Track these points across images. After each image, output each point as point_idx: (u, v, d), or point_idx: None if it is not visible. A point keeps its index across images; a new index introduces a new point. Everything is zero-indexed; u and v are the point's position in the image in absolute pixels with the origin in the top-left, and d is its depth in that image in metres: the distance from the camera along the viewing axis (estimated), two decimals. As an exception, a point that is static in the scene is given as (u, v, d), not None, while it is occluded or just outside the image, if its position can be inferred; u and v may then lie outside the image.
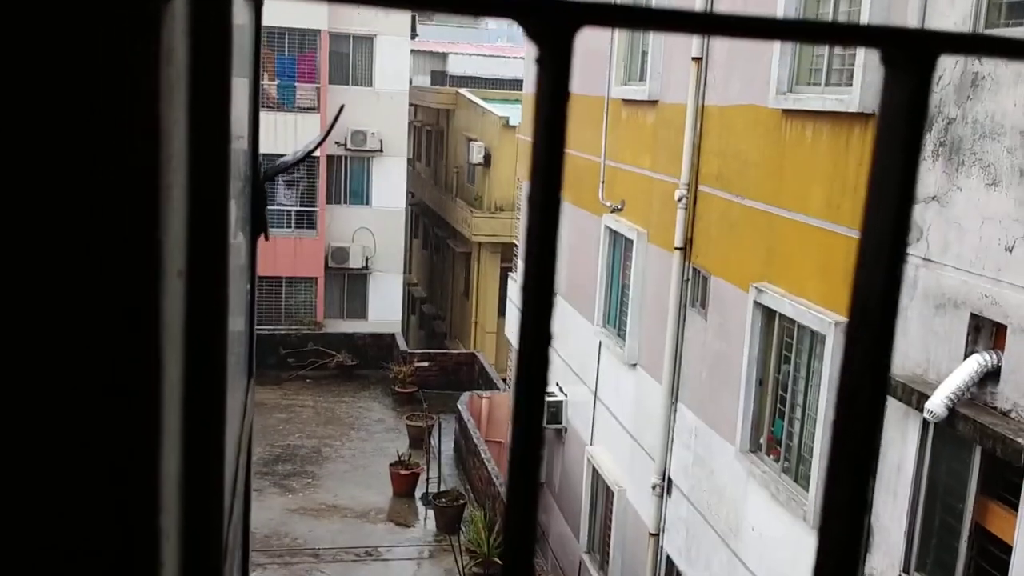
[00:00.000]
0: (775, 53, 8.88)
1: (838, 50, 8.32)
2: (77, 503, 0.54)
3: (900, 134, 0.45)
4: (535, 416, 0.46)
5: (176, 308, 0.60)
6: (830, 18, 8.37)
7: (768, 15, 0.49)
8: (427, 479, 17.93)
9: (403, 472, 18.14)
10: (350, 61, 26.89)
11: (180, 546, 0.66)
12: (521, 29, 0.43)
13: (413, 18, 27.89)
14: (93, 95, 0.50)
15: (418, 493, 18.21)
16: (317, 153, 25.82)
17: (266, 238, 1.74)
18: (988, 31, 6.45)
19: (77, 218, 0.51)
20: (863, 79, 7.56)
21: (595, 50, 13.74)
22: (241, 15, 1.38)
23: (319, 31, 25.94)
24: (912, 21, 7.00)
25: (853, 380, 0.49)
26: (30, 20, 0.48)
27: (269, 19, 24.74)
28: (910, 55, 0.44)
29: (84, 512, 0.52)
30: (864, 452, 0.49)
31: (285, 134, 25.44)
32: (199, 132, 0.67)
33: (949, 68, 6.66)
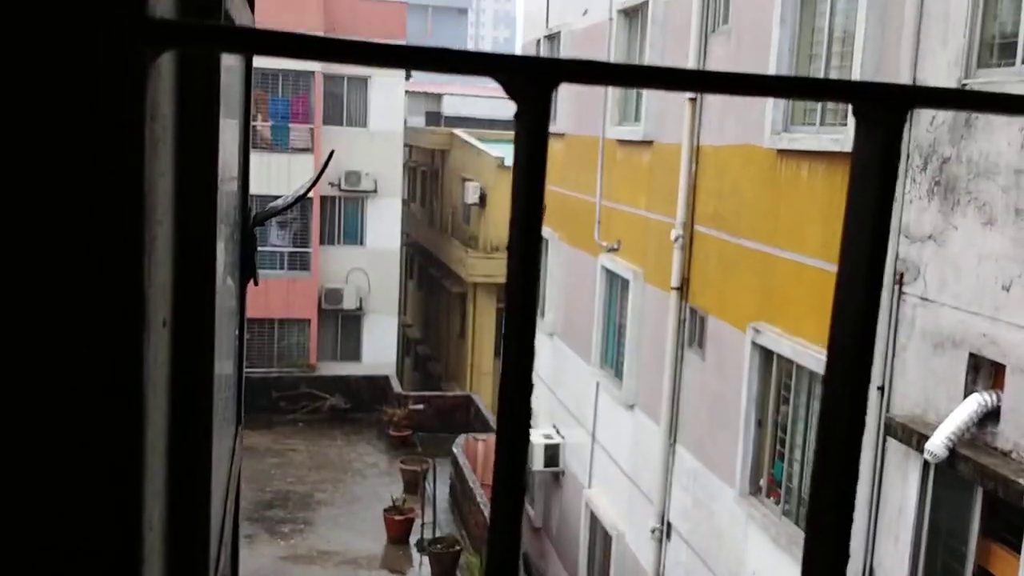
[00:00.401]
0: (769, 94, 8.92)
1: (832, 90, 8.37)
2: (59, 553, 0.52)
3: (872, 186, 0.46)
4: (518, 460, 0.46)
5: (161, 357, 0.57)
6: (823, 60, 8.43)
7: (747, 71, 0.49)
8: (422, 525, 17.72)
9: (397, 518, 17.93)
10: (344, 102, 27.06)
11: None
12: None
13: (408, 61, 28.09)
14: (77, 148, 0.50)
15: (413, 539, 17.98)
16: (311, 194, 25.87)
17: (255, 283, 1.70)
18: (981, 70, 6.48)
19: (60, 270, 0.51)
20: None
21: (590, 90, 13.83)
22: (231, 58, 1.36)
23: (313, 72, 26.13)
24: (904, 62, 7.04)
25: (833, 408, 0.52)
26: (19, 75, 0.48)
27: (263, 61, 24.97)
28: (880, 109, 0.46)
29: (68, 562, 0.49)
30: (846, 479, 0.52)
31: (279, 175, 25.51)
32: (186, 183, 0.65)
33: (943, 108, 6.68)
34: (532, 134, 0.42)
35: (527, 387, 0.45)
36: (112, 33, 0.48)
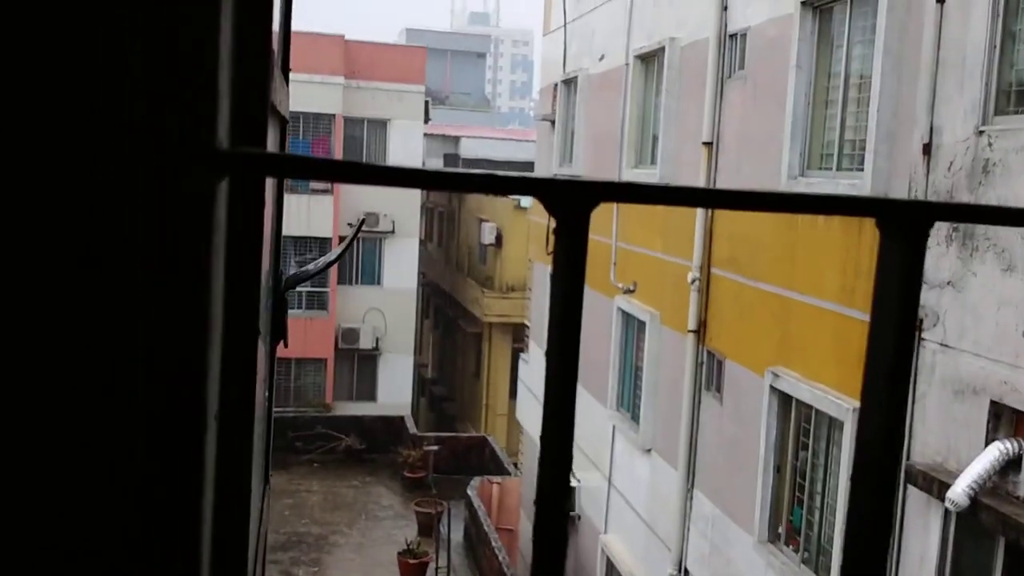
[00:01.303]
0: (786, 138, 8.96)
1: (848, 135, 8.40)
2: None
3: (895, 297, 0.48)
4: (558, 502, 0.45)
5: (211, 450, 0.60)
6: (840, 106, 8.47)
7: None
8: (436, 568, 17.57)
9: (411, 561, 17.79)
10: (364, 144, 27.31)
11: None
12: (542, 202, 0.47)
13: (426, 102, 28.41)
14: (148, 273, 0.54)
15: (427, 582, 17.83)
16: (329, 234, 26.03)
17: (285, 345, 1.73)
18: (998, 117, 6.49)
19: (135, 370, 0.54)
20: (874, 164, 7.60)
21: (606, 133, 13.92)
22: (273, 139, 1.41)
23: (334, 115, 26.42)
24: (921, 108, 7.06)
25: (866, 459, 0.52)
26: (103, 208, 0.52)
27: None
28: (903, 224, 0.47)
29: None
30: (881, 528, 0.51)
31: (298, 216, 25.70)
32: (232, 287, 0.68)
33: (960, 153, 6.69)
34: (571, 250, 0.44)
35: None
36: (183, 164, 0.51)
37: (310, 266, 2.52)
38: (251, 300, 0.76)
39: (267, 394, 1.68)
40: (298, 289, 26.75)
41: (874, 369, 0.50)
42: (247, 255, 0.75)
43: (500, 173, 0.45)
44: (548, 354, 0.46)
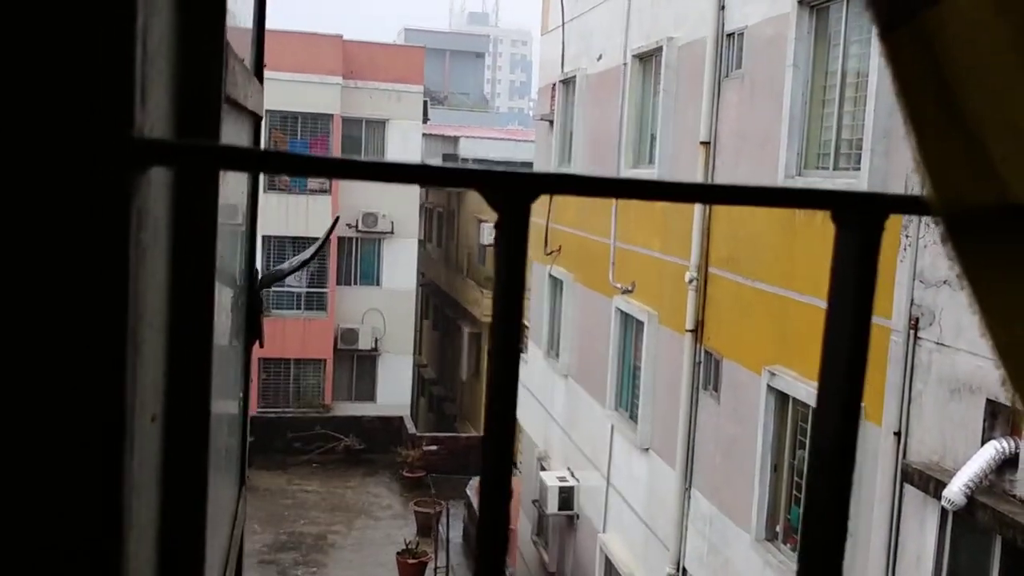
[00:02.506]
0: (783, 137, 8.96)
1: (846, 134, 8.40)
2: None
3: (851, 288, 0.47)
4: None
5: (150, 453, 0.59)
6: (837, 104, 8.47)
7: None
8: (435, 568, 17.58)
9: (411, 561, 17.80)
10: (362, 144, 27.31)
11: None
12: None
13: (425, 102, 28.41)
14: (63, 264, 0.52)
15: (426, 582, 17.84)
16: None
17: (260, 345, 1.72)
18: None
19: (46, 366, 0.52)
20: (871, 162, 7.60)
21: (604, 133, 13.92)
22: (238, 136, 1.40)
23: (332, 115, 26.42)
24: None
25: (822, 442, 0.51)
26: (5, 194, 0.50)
27: (282, 104, 25.29)
28: (859, 216, 0.47)
29: None
30: (838, 520, 0.51)
31: (296, 216, 25.71)
32: (180, 283, 0.67)
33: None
34: (512, 242, 0.44)
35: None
36: (98, 154, 0.50)
37: (284, 265, 2.51)
38: (201, 297, 0.75)
39: (242, 395, 1.68)
40: (296, 290, 26.76)
41: (831, 361, 0.50)
42: (196, 250, 0.74)
43: (435, 164, 0.44)
44: (490, 352, 0.46)
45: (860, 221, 0.48)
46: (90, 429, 0.52)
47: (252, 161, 0.44)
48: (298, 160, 0.44)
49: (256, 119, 1.68)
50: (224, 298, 1.09)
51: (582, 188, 0.46)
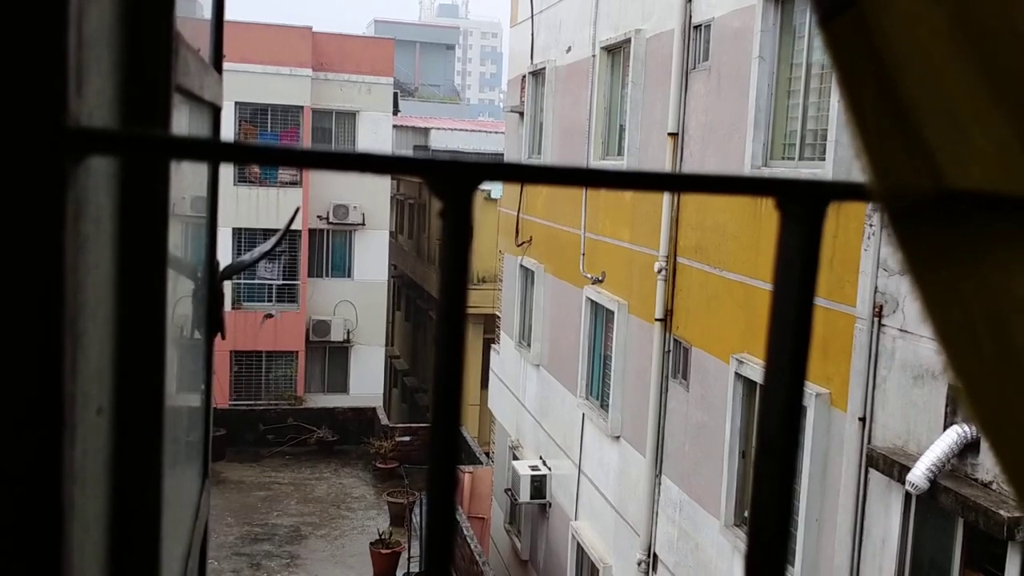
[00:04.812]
0: (749, 128, 9.04)
1: (811, 124, 8.49)
2: None
3: (795, 275, 0.48)
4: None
5: (95, 444, 0.60)
6: (802, 95, 8.55)
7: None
8: (409, 558, 17.61)
9: (384, 551, 17.81)
10: (333, 136, 27.16)
11: None
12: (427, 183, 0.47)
13: (395, 94, 28.29)
14: None
15: (399, 573, 17.85)
16: (299, 227, 25.91)
17: (222, 337, 1.74)
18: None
19: None
20: (836, 152, 7.69)
21: (574, 125, 13.96)
22: (199, 127, 1.41)
23: (302, 107, 26.25)
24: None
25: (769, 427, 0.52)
26: None
27: (252, 95, 25.10)
28: (802, 204, 0.48)
29: None
30: (782, 505, 0.51)
31: (267, 208, 25.56)
32: (131, 274, 0.67)
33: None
34: (456, 229, 0.45)
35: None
36: (27, 144, 0.49)
37: (246, 256, 2.52)
38: (152, 288, 0.75)
39: (204, 387, 1.69)
40: (268, 282, 26.61)
41: (776, 346, 0.51)
42: (146, 241, 0.74)
43: (379, 152, 0.46)
44: (436, 340, 0.48)
45: (803, 208, 0.49)
46: (25, 419, 0.52)
47: (193, 149, 0.45)
48: (241, 149, 0.45)
49: (215, 110, 1.69)
50: (182, 289, 1.10)
51: (521, 175, 0.48)
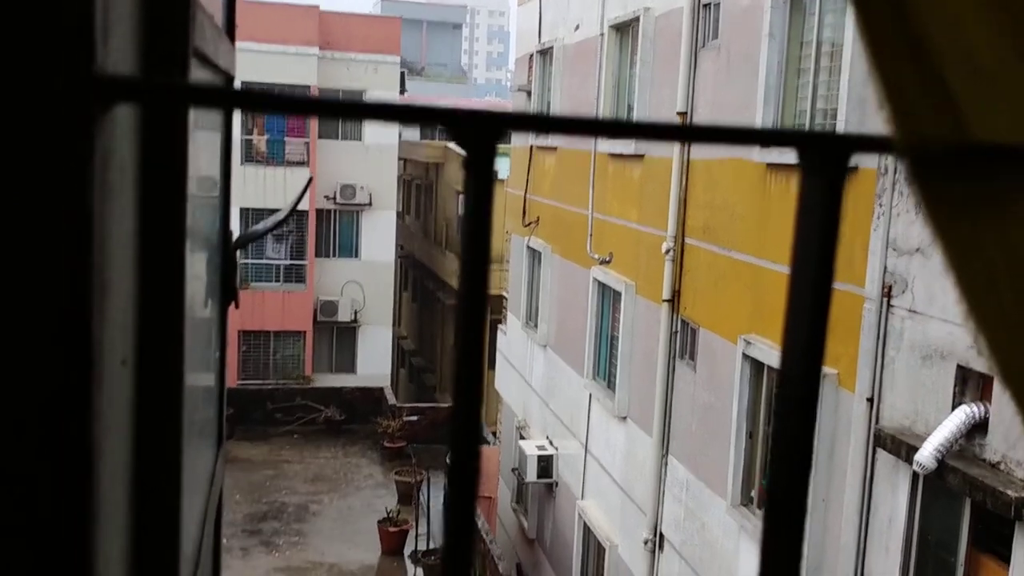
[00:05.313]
0: (759, 106, 8.99)
1: (820, 103, 8.44)
2: None
3: (817, 229, 0.48)
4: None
5: (121, 395, 0.60)
6: (812, 74, 8.50)
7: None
8: (416, 536, 17.71)
9: (392, 529, 17.92)
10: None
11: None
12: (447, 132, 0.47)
13: (402, 73, 28.21)
14: (23, 205, 0.51)
15: (407, 550, 17.97)
16: (307, 207, 25.92)
17: (236, 306, 1.74)
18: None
19: (3, 318, 0.52)
20: (846, 131, 7.64)
21: (582, 104, 13.90)
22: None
23: (308, 87, 26.19)
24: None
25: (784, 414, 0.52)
26: None
27: (259, 75, 25.03)
28: (824, 157, 0.47)
29: None
30: (803, 462, 0.51)
31: (275, 188, 25.56)
32: (150, 228, 0.68)
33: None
34: (480, 179, 0.45)
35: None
36: (58, 90, 0.50)
37: (259, 225, 2.52)
38: (172, 242, 0.75)
39: (218, 355, 1.70)
40: (276, 262, 26.65)
41: (795, 306, 0.50)
42: (166, 194, 0.74)
43: (398, 103, 0.46)
44: (458, 293, 0.48)
45: (825, 161, 0.49)
46: (57, 366, 0.52)
47: (216, 98, 0.45)
48: (263, 98, 0.45)
49: (228, 78, 1.69)
50: (197, 256, 1.10)
51: (544, 126, 0.48)
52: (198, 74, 1.04)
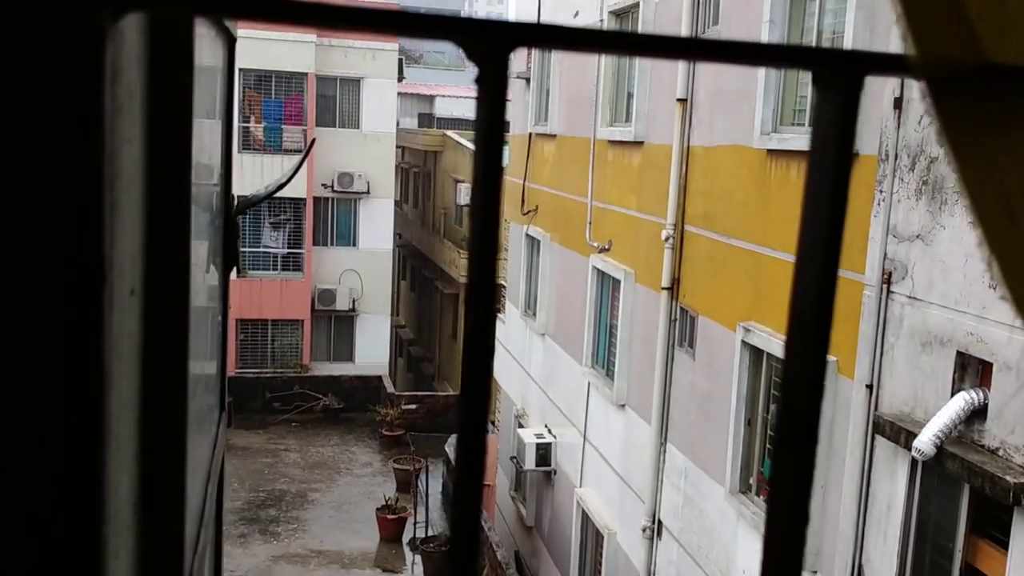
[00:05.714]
0: (759, 94, 8.97)
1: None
2: (17, 522, 0.52)
3: (831, 151, 0.47)
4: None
5: (130, 325, 0.59)
6: (815, 32, 8.47)
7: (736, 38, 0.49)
8: (415, 523, 17.74)
9: (390, 517, 17.94)
10: (337, 103, 27.05)
11: (135, 566, 0.64)
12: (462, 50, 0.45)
13: (400, 61, 28.13)
14: (32, 112, 0.51)
15: (406, 538, 18.00)
16: (304, 195, 25.86)
17: (239, 273, 1.73)
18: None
19: (14, 230, 0.51)
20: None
21: (581, 92, 13.87)
22: (213, 56, 1.39)
23: (306, 74, 26.12)
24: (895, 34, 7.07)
25: (792, 387, 0.52)
26: None
27: (256, 62, 24.97)
28: (839, 75, 0.47)
29: (25, 530, 0.50)
30: (811, 427, 0.51)
31: (272, 175, 25.46)
32: (157, 152, 0.66)
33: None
34: (490, 94, 0.44)
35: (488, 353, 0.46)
36: None
37: (260, 189, 2.51)
38: (178, 165, 0.74)
39: (221, 318, 1.69)
40: (273, 251, 26.61)
41: (809, 228, 0.50)
42: (173, 114, 0.73)
43: (408, 10, 0.44)
44: (471, 210, 0.47)
45: (839, 79, 0.48)
46: (67, 284, 0.52)
47: (222, 5, 0.44)
48: (270, 5, 0.44)
49: (231, 41, 1.67)
50: (200, 218, 1.08)
51: (559, 38, 0.47)
52: (203, 39, 1.02)
